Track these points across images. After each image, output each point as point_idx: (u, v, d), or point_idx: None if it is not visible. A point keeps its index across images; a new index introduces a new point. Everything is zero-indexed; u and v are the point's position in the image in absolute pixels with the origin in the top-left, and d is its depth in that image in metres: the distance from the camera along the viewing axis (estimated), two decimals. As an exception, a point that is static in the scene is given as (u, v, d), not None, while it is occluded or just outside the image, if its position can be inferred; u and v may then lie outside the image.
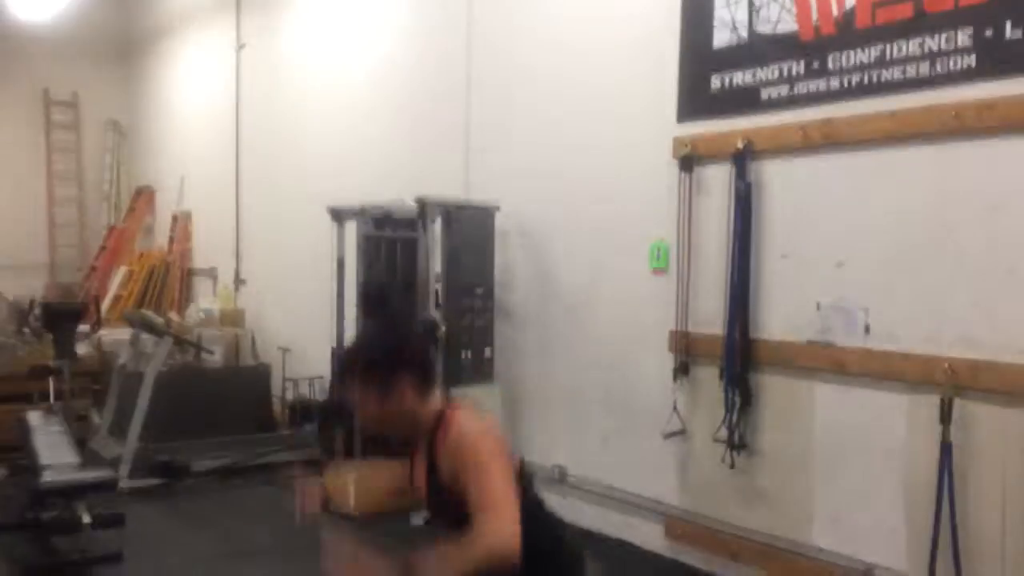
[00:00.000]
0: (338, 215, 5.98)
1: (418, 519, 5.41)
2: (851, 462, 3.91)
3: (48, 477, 4.39)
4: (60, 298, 9.06)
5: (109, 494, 4.52)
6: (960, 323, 3.53)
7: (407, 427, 1.83)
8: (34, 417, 5.49)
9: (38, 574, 4.50)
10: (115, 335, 7.50)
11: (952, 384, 3.47)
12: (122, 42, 11.40)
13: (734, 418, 4.28)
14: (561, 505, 5.36)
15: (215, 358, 7.79)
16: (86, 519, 4.31)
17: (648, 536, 4.81)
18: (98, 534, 4.38)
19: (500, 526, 1.49)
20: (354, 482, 5.78)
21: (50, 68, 10.86)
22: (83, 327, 6.39)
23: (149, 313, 6.02)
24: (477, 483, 1.60)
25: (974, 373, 3.44)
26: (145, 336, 6.30)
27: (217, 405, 7.36)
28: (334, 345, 6.75)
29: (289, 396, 7.75)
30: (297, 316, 7.85)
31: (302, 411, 7.57)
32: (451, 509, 1.74)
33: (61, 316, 5.95)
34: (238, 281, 9.23)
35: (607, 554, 4.60)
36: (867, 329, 3.84)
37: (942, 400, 3.49)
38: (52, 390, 5.77)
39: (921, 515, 3.62)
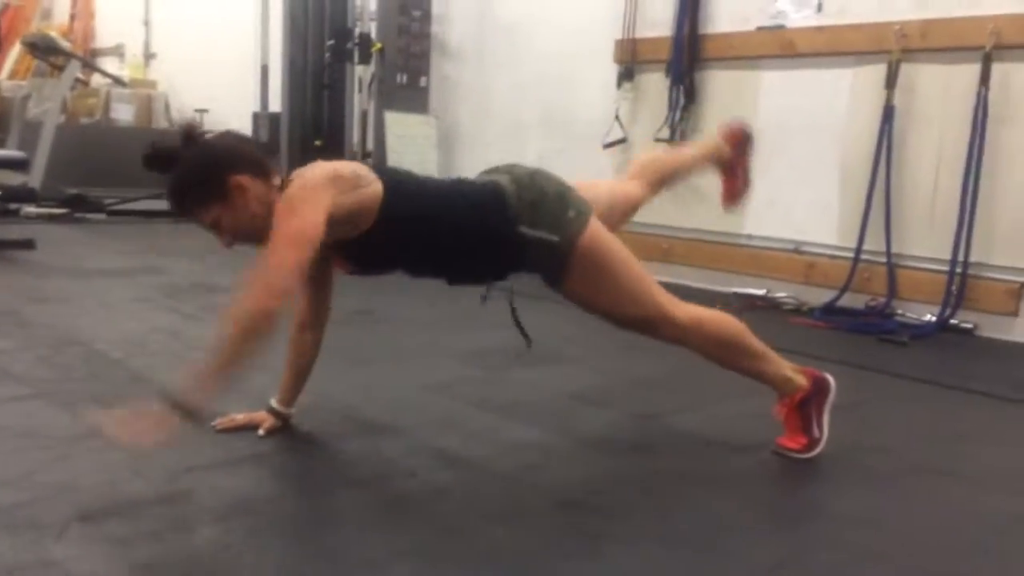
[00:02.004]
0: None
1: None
2: (789, 147, 3.94)
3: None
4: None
5: (21, 170, 4.22)
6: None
7: (269, 223, 1.60)
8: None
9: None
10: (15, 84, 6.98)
11: (901, 48, 3.50)
12: None
13: (676, 116, 4.26)
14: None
15: (126, 118, 7.37)
16: (-6, 190, 4.04)
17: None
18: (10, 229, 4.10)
19: (267, 272, 1.40)
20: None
21: None
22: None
23: (52, 34, 5.52)
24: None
25: (924, 32, 3.46)
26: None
27: (129, 165, 6.95)
28: (257, 109, 6.52)
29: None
30: (215, 82, 7.44)
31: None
32: None
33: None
34: (148, 55, 8.68)
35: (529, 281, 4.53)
36: (819, 7, 3.81)
37: (889, 64, 3.53)
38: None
39: (855, 188, 3.70)
